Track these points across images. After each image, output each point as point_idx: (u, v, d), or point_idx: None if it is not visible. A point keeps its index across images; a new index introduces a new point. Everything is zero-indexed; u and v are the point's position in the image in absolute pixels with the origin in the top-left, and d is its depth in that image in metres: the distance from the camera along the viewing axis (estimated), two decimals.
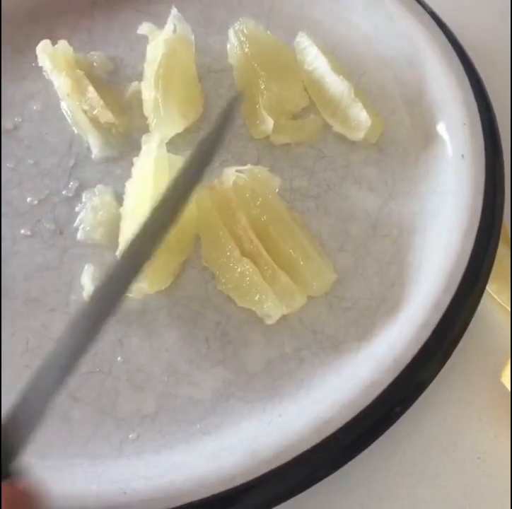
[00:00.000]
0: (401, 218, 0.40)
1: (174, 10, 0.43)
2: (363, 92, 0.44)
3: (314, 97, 0.44)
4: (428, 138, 0.41)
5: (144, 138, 0.41)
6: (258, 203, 0.38)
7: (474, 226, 0.37)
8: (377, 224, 0.40)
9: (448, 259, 0.37)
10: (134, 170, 0.40)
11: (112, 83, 0.45)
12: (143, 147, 0.40)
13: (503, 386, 0.37)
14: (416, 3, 0.44)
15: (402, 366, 0.34)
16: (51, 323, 0.38)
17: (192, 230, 0.39)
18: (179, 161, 0.39)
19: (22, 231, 0.41)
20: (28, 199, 0.41)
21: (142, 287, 0.36)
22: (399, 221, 0.40)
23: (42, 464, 0.34)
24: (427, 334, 0.35)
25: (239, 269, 0.36)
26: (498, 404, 0.37)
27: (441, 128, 0.41)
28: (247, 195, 0.38)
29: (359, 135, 0.41)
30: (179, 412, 0.36)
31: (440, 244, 0.38)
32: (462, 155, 0.39)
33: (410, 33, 0.43)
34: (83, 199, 0.41)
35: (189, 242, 0.39)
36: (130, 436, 0.35)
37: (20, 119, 0.44)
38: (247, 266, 0.36)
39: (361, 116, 0.41)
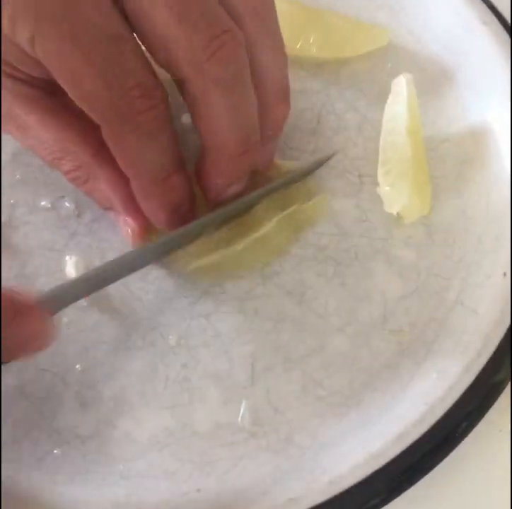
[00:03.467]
0: (418, 317, 0.36)
1: None
2: (435, 162, 0.39)
3: (381, 146, 0.39)
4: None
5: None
6: None
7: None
8: (389, 315, 0.36)
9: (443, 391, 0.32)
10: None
11: None
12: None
13: None
14: None
15: None
16: None
17: None
18: None
19: (42, 202, 0.40)
20: None
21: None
22: (414, 320, 0.36)
23: None
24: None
25: None
26: None
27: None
28: None
29: (392, 208, 0.37)
30: (110, 444, 0.34)
31: (443, 367, 0.33)
32: (504, 274, 0.34)
33: None
34: None
35: None
36: (55, 451, 0.34)
37: None
38: None
39: (404, 191, 0.36)
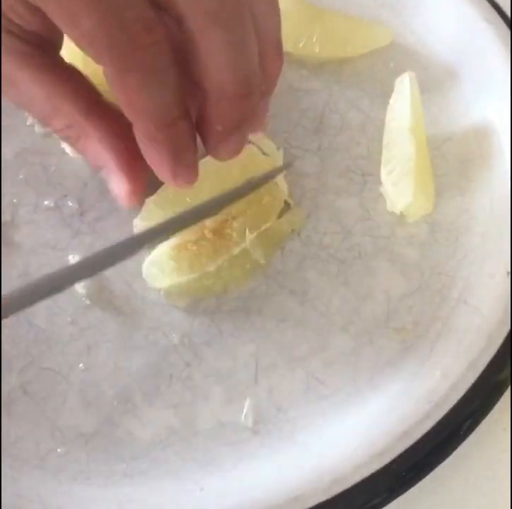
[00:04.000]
0: (421, 315, 0.36)
1: None
2: (438, 160, 0.39)
3: (384, 145, 0.39)
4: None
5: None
6: None
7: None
8: (393, 314, 0.36)
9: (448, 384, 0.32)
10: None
11: None
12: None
13: None
14: None
15: None
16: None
17: None
18: None
19: (46, 201, 0.40)
20: None
21: None
22: (417, 318, 0.36)
23: None
24: None
25: None
26: None
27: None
28: None
29: (395, 207, 0.37)
30: (113, 443, 0.34)
31: (446, 365, 0.33)
32: (508, 273, 0.34)
33: None
34: None
35: None
36: (59, 450, 0.34)
37: None
38: None
39: (406, 189, 0.36)
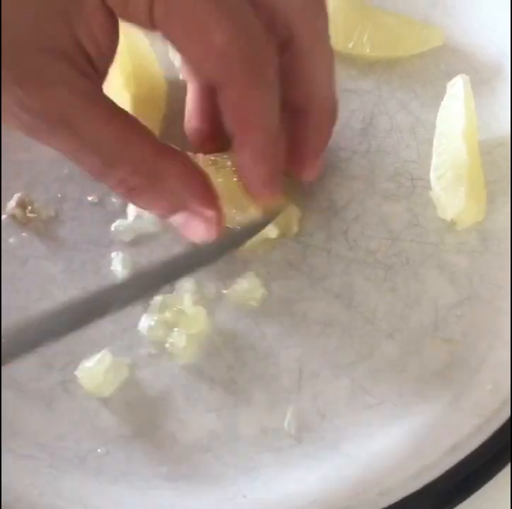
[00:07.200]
0: (470, 326, 0.35)
1: None
2: (489, 166, 0.38)
3: (434, 149, 0.38)
4: None
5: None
6: None
7: None
8: (441, 323, 0.35)
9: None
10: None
11: None
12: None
13: None
14: None
15: None
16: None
17: None
18: None
19: (90, 198, 0.39)
20: None
21: None
22: (466, 329, 0.35)
23: (6, 445, 0.33)
24: None
25: None
26: None
27: None
28: None
29: (446, 213, 0.36)
30: (154, 445, 0.34)
31: (497, 378, 0.32)
32: None
33: None
34: None
35: None
36: (99, 450, 0.34)
37: None
38: None
39: (458, 195, 0.35)
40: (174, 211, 0.33)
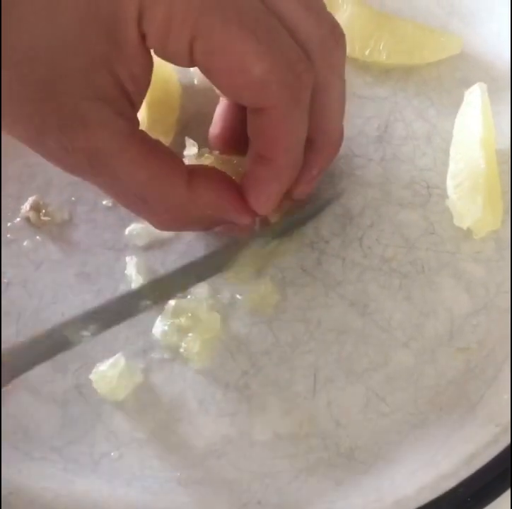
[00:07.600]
0: (487, 335, 0.35)
1: None
2: (506, 175, 0.38)
3: (451, 158, 0.38)
4: None
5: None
6: None
7: None
8: (457, 332, 0.35)
9: None
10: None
11: None
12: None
13: None
14: None
15: None
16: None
17: None
18: None
19: (104, 201, 0.39)
20: None
21: None
22: (482, 338, 0.35)
23: (20, 448, 0.33)
24: None
25: None
26: None
27: None
28: None
29: (462, 222, 0.36)
30: (167, 450, 0.34)
31: None
32: None
33: None
34: None
35: None
36: (112, 454, 0.34)
37: None
38: None
39: (475, 203, 0.35)
40: (209, 229, 0.35)
